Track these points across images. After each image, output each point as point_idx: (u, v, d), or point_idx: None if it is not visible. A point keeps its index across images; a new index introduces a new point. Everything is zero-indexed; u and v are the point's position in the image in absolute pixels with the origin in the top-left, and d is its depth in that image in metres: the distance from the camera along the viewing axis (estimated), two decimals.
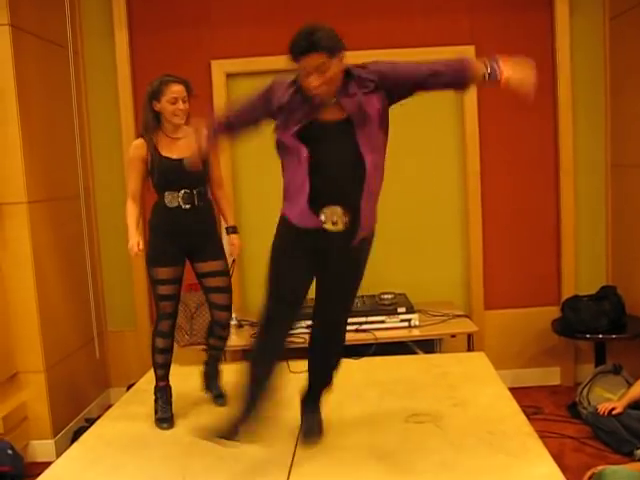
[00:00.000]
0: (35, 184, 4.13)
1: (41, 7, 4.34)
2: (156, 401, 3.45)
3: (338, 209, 2.69)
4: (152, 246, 3.40)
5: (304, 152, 2.66)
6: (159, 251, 3.37)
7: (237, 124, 2.94)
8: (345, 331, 3.06)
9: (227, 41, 4.82)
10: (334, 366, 3.08)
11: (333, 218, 2.70)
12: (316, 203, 2.68)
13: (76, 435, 4.11)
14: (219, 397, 3.62)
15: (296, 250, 2.80)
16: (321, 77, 2.61)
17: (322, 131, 2.71)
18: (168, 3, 4.86)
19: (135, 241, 3.30)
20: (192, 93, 3.38)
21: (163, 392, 3.47)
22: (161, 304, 3.41)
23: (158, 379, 3.48)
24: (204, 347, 3.75)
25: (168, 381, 3.51)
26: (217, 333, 3.59)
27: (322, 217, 2.69)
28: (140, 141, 3.37)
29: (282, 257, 2.83)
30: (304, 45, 2.60)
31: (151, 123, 3.36)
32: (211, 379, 3.68)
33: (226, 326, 3.57)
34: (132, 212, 3.40)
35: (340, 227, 2.70)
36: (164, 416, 3.39)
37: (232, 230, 3.61)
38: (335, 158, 2.69)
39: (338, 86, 2.70)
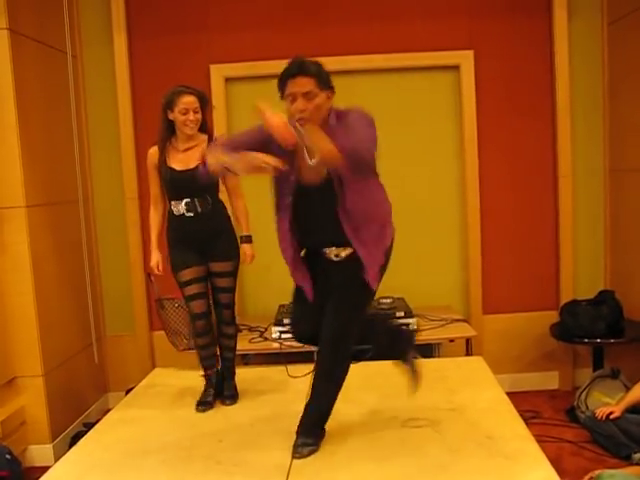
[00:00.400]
0: (34, 188, 4.14)
1: (40, 11, 4.35)
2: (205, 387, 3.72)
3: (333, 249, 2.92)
4: (171, 254, 3.62)
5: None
6: (177, 257, 3.58)
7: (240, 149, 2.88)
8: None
9: (226, 45, 4.83)
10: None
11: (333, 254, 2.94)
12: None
13: (74, 440, 4.11)
14: (230, 398, 3.69)
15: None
16: (307, 103, 2.67)
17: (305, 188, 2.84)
18: (167, 8, 4.87)
19: (155, 262, 3.66)
20: (207, 104, 3.57)
21: (209, 379, 3.70)
22: (190, 305, 3.60)
23: (205, 369, 3.72)
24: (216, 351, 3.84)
25: (215, 368, 3.72)
26: (224, 331, 3.72)
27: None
28: (154, 149, 3.57)
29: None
30: (294, 69, 2.68)
31: (165, 133, 3.53)
32: (225, 380, 3.76)
33: (230, 323, 3.71)
34: (154, 222, 3.69)
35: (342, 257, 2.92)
36: (205, 400, 3.63)
37: (244, 240, 3.68)
38: (317, 210, 2.86)
39: (322, 123, 2.73)
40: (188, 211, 3.49)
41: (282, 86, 2.72)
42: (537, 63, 4.88)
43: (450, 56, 4.86)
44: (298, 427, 2.99)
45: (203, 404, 3.61)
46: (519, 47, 4.87)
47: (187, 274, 3.55)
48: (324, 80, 2.72)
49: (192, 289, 3.56)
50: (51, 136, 4.45)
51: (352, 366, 4.08)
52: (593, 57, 4.87)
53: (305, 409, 3.02)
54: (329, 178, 2.78)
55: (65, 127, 4.66)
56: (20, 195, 4.01)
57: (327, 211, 2.82)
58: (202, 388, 3.68)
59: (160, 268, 3.66)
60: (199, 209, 3.49)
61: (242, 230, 3.68)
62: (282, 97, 2.76)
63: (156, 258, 3.67)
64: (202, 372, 3.73)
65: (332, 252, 2.93)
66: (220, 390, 3.71)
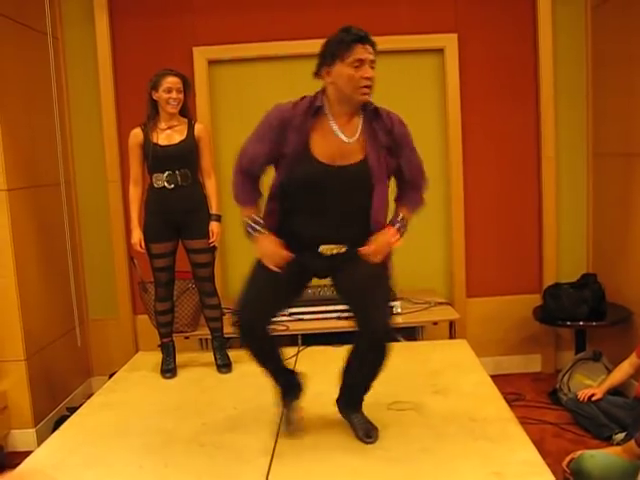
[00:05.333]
0: (15, 171, 4.09)
1: None
2: (162, 356, 3.97)
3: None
4: (146, 224, 3.82)
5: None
6: (152, 228, 3.79)
7: (263, 172, 2.82)
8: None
9: (209, 28, 4.78)
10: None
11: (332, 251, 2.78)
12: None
13: (57, 424, 4.08)
14: (225, 366, 3.89)
15: None
16: (372, 72, 2.60)
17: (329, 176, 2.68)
18: None
19: (137, 240, 3.80)
20: (189, 88, 3.81)
21: (166, 348, 3.97)
22: (157, 275, 3.87)
23: (161, 337, 4.00)
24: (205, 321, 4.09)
25: (171, 338, 4.00)
26: (207, 302, 3.95)
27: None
28: (137, 130, 3.78)
29: None
30: (364, 35, 2.58)
31: (150, 112, 3.75)
32: (216, 349, 3.96)
33: (212, 294, 3.93)
34: (134, 199, 3.84)
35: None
36: (167, 367, 3.90)
37: (213, 218, 3.84)
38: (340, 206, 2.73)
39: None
40: (169, 183, 3.71)
41: (345, 49, 2.55)
42: (521, 46, 4.87)
43: (434, 39, 4.84)
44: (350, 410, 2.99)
45: (168, 371, 3.89)
46: (503, 30, 4.86)
47: (159, 247, 3.80)
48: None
49: (161, 262, 3.83)
50: (32, 119, 4.39)
51: (336, 349, 4.12)
52: (577, 40, 4.87)
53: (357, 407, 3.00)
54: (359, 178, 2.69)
55: (46, 110, 4.60)
56: (1, 178, 3.96)
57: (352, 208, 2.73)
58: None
59: (142, 245, 3.80)
60: (179, 182, 3.72)
61: (212, 209, 3.85)
62: (331, 62, 2.59)
63: (138, 236, 3.80)
64: (159, 342, 4.00)
65: (329, 249, 2.76)
66: (215, 360, 3.95)
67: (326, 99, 2.68)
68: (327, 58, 2.60)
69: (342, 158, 2.65)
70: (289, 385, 3.03)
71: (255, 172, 2.78)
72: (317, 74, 2.67)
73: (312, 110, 2.66)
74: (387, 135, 2.71)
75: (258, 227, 2.75)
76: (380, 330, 2.75)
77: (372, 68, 2.59)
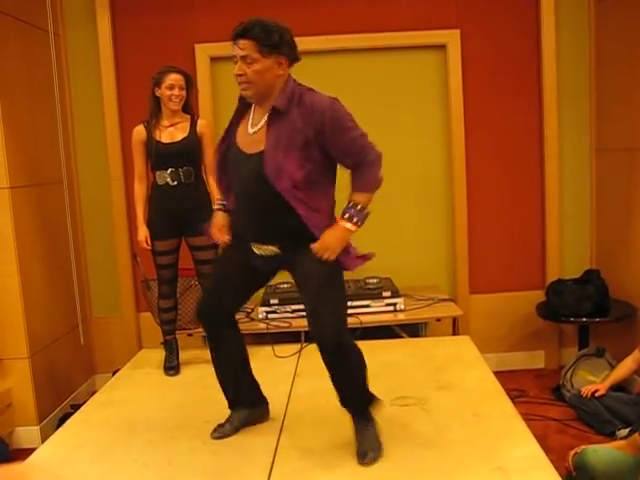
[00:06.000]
0: (17, 169, 4.09)
1: None
2: (165, 353, 3.99)
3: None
4: (150, 221, 3.84)
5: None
6: (155, 226, 3.81)
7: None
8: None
9: (211, 25, 4.78)
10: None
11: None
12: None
13: (61, 421, 4.09)
14: None
15: None
16: (246, 67, 2.54)
17: (240, 161, 2.70)
18: None
19: (143, 237, 3.82)
20: (192, 85, 3.82)
21: (169, 345, 3.99)
22: (160, 272, 3.90)
23: (165, 334, 4.01)
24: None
25: (174, 335, 4.02)
26: None
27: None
28: (140, 127, 3.80)
29: None
30: (237, 31, 2.57)
31: (153, 109, 3.77)
32: None
33: None
34: (139, 196, 3.88)
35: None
36: (171, 365, 3.92)
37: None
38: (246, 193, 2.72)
39: (266, 92, 2.60)
40: (172, 180, 3.73)
41: (232, 48, 2.61)
42: (524, 42, 4.86)
43: (437, 35, 4.84)
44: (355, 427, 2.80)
45: (171, 368, 3.91)
46: (506, 26, 4.85)
47: (162, 245, 3.82)
48: (272, 44, 2.53)
49: (164, 259, 3.85)
50: (34, 117, 4.40)
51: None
52: (580, 36, 4.86)
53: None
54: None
55: (49, 107, 4.61)
56: (4, 176, 3.97)
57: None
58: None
59: (149, 242, 3.82)
60: (182, 179, 3.74)
61: (214, 206, 3.81)
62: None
63: (144, 233, 3.83)
64: (162, 340, 4.03)
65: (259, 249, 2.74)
66: None
67: None
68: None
69: (249, 147, 2.64)
70: (240, 398, 3.03)
71: (220, 160, 2.86)
72: None
73: (242, 104, 2.76)
74: (311, 123, 2.54)
75: (217, 206, 2.94)
76: (327, 335, 2.61)
77: (248, 63, 2.53)
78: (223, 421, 3.02)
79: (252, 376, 3.07)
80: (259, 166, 2.55)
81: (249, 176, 2.62)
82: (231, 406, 3.04)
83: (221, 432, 2.97)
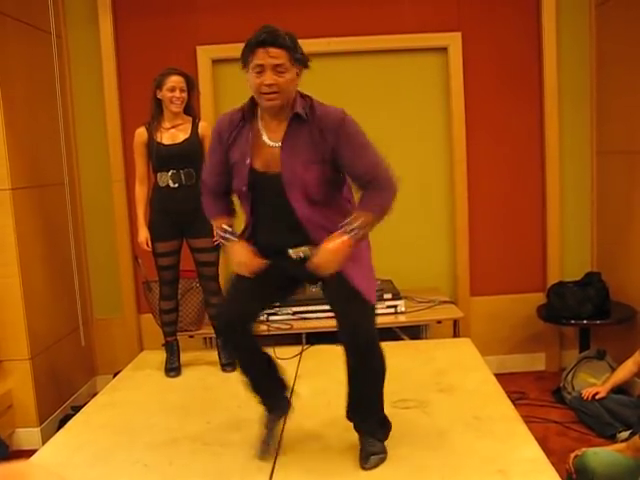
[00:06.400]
0: (19, 171, 4.10)
1: None
2: (167, 355, 4.00)
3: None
4: (151, 223, 3.85)
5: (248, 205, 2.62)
6: (156, 227, 3.82)
7: (223, 186, 2.72)
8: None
9: (213, 27, 4.79)
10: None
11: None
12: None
13: (62, 423, 4.10)
14: (229, 365, 3.89)
15: None
16: (277, 77, 2.39)
17: (262, 184, 2.56)
18: None
19: (144, 238, 3.82)
20: (194, 87, 3.83)
21: (170, 347, 3.99)
22: (161, 273, 3.91)
23: (166, 335, 4.01)
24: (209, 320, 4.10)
25: (175, 337, 4.02)
26: (211, 301, 3.92)
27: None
28: (141, 129, 3.81)
29: None
30: (266, 37, 2.37)
31: (154, 112, 3.79)
32: (219, 348, 3.99)
33: (216, 293, 3.87)
34: (140, 198, 3.89)
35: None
36: (172, 366, 3.93)
37: None
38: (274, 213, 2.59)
39: (289, 103, 2.50)
40: (173, 182, 3.74)
41: (248, 55, 2.41)
42: (525, 45, 4.87)
43: (438, 38, 4.85)
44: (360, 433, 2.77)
45: (172, 370, 3.92)
46: (507, 29, 4.85)
47: (164, 246, 3.83)
48: (298, 54, 2.45)
49: (166, 261, 3.85)
50: (36, 118, 4.40)
51: (340, 348, 4.12)
52: (581, 39, 4.87)
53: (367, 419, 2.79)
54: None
55: (50, 109, 4.61)
56: (5, 178, 3.97)
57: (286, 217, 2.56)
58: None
59: (149, 244, 3.83)
60: (184, 181, 3.74)
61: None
62: (245, 67, 2.45)
63: (144, 234, 3.83)
64: (163, 341, 4.03)
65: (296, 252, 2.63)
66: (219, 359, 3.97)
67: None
68: (242, 63, 2.47)
69: (271, 164, 2.52)
70: (273, 400, 2.88)
71: (215, 184, 2.73)
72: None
73: (245, 117, 2.58)
74: (325, 134, 2.48)
75: (228, 235, 2.67)
76: (360, 332, 2.63)
77: (280, 72, 2.39)
78: (263, 436, 2.84)
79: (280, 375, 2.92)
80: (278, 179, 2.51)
81: (279, 192, 2.51)
82: (269, 408, 2.87)
83: (268, 444, 2.81)
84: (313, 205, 2.53)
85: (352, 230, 2.50)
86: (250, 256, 2.62)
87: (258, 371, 2.83)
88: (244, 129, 2.57)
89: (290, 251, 2.63)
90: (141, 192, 3.89)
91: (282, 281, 2.76)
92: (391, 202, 2.56)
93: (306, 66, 2.51)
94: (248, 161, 2.53)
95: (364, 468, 2.64)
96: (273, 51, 2.37)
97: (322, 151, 2.49)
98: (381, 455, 2.69)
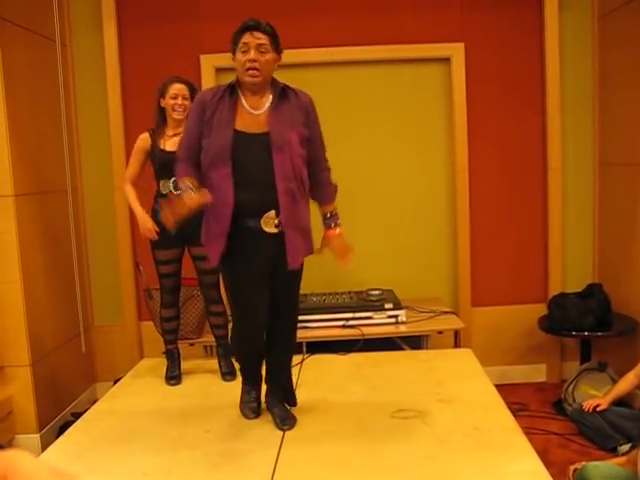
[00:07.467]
0: (22, 177, 4.11)
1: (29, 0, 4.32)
2: (167, 363, 4.00)
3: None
4: None
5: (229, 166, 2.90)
6: (158, 235, 3.77)
7: (197, 157, 3.03)
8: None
9: (216, 35, 4.79)
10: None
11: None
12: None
13: (62, 430, 4.10)
14: (229, 374, 3.91)
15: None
16: (259, 56, 2.87)
17: (246, 143, 2.92)
18: None
19: (150, 225, 3.76)
20: (196, 95, 3.78)
21: (171, 355, 4.00)
22: (162, 281, 3.91)
23: (166, 343, 4.02)
24: (210, 328, 4.07)
25: (176, 345, 4.03)
26: (212, 310, 3.95)
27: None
28: (145, 135, 3.85)
29: None
30: (252, 23, 2.89)
31: (158, 119, 3.82)
32: (221, 356, 3.98)
33: (217, 301, 3.91)
34: (131, 193, 3.85)
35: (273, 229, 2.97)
36: (172, 374, 3.93)
37: None
38: (255, 169, 2.92)
39: (267, 81, 2.95)
40: (175, 189, 3.68)
41: (238, 38, 2.90)
42: (528, 56, 4.88)
43: (441, 48, 4.86)
44: (274, 402, 3.24)
45: (172, 378, 3.91)
46: (510, 40, 4.87)
47: (165, 254, 3.84)
48: (276, 42, 2.93)
49: (167, 268, 3.87)
50: (40, 125, 4.42)
51: (340, 357, 4.13)
52: (583, 50, 4.88)
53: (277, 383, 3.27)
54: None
55: (54, 116, 4.63)
56: (8, 184, 3.98)
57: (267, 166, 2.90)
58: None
59: (157, 229, 3.74)
60: None
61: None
62: (233, 50, 2.93)
63: (149, 221, 3.76)
64: (164, 349, 4.04)
65: (270, 219, 2.94)
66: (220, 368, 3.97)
67: (238, 81, 2.99)
68: (232, 47, 2.94)
69: (256, 128, 2.92)
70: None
71: (191, 156, 3.02)
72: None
73: (227, 90, 2.98)
74: (300, 111, 2.98)
75: (191, 188, 2.91)
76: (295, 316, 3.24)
77: (262, 52, 2.87)
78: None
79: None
80: (266, 141, 2.89)
81: (260, 152, 2.88)
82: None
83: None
84: (289, 169, 2.90)
85: (333, 220, 3.14)
86: (199, 200, 2.90)
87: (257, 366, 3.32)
88: (226, 100, 2.96)
89: (262, 223, 2.93)
90: (132, 190, 3.86)
91: (263, 273, 3.05)
92: (335, 186, 3.17)
93: (280, 53, 2.97)
94: (233, 123, 2.91)
95: (284, 429, 3.09)
96: (257, 34, 2.87)
97: (299, 121, 2.97)
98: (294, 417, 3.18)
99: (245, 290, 3.05)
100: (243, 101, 2.96)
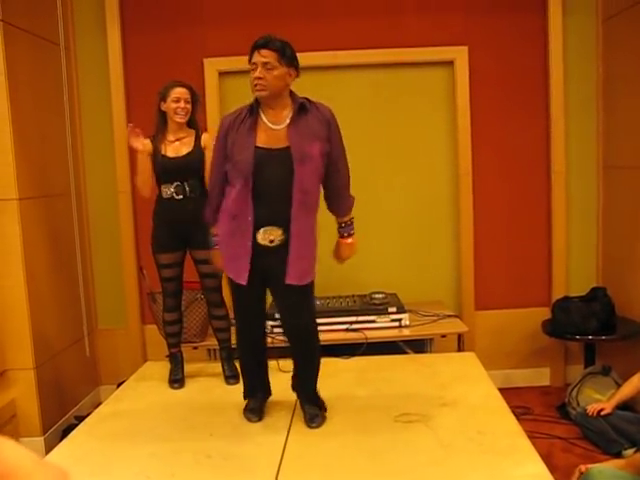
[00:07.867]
0: (26, 181, 4.12)
1: (32, 3, 4.33)
2: (171, 366, 4.00)
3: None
4: (155, 234, 3.85)
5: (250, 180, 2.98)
6: (160, 239, 3.82)
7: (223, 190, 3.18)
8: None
9: (220, 39, 4.82)
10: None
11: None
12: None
13: (65, 433, 4.09)
14: (232, 377, 3.91)
15: None
16: (265, 73, 2.93)
17: (267, 158, 2.99)
18: (161, 0, 4.84)
19: (140, 143, 3.70)
20: (198, 101, 3.84)
21: (174, 358, 3.99)
22: (165, 285, 3.90)
23: (170, 347, 4.01)
24: (213, 331, 4.08)
25: (179, 348, 4.02)
26: (215, 313, 3.96)
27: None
28: (146, 141, 3.78)
29: None
30: (259, 42, 2.96)
31: (159, 123, 3.79)
32: (224, 360, 4.00)
33: (219, 305, 3.94)
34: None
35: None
36: (175, 378, 3.92)
37: None
38: (274, 183, 3.00)
39: (277, 95, 2.99)
40: (177, 194, 3.74)
41: (249, 57, 2.99)
42: (531, 59, 4.88)
43: (444, 51, 4.86)
44: (304, 400, 3.28)
45: (176, 381, 3.91)
46: (514, 43, 4.87)
47: (167, 258, 3.83)
48: (287, 57, 2.97)
49: (169, 272, 3.85)
50: (44, 129, 4.43)
51: (344, 361, 4.13)
52: (587, 54, 4.87)
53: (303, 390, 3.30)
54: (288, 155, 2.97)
55: (58, 120, 4.64)
56: (13, 187, 3.99)
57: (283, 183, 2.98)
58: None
59: (143, 139, 3.70)
60: (187, 192, 3.74)
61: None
62: (249, 66, 3.01)
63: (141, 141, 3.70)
64: (167, 352, 4.04)
65: (268, 234, 3.02)
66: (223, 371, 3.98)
67: (257, 99, 3.07)
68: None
69: (274, 143, 3.00)
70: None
71: (220, 195, 3.18)
72: None
73: (247, 110, 3.06)
74: (321, 124, 3.03)
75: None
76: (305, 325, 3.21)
77: (268, 69, 2.93)
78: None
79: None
80: (290, 156, 2.96)
81: (281, 167, 2.96)
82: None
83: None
84: (308, 181, 2.98)
85: (346, 230, 3.24)
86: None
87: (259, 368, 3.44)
88: (246, 120, 3.05)
89: (259, 235, 3.00)
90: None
91: (260, 288, 3.20)
92: (352, 199, 3.25)
93: (296, 67, 3.04)
94: (254, 140, 2.99)
95: (312, 427, 3.14)
96: (264, 52, 2.94)
97: (320, 134, 3.02)
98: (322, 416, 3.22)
99: (239, 304, 3.26)
100: (263, 117, 3.03)
